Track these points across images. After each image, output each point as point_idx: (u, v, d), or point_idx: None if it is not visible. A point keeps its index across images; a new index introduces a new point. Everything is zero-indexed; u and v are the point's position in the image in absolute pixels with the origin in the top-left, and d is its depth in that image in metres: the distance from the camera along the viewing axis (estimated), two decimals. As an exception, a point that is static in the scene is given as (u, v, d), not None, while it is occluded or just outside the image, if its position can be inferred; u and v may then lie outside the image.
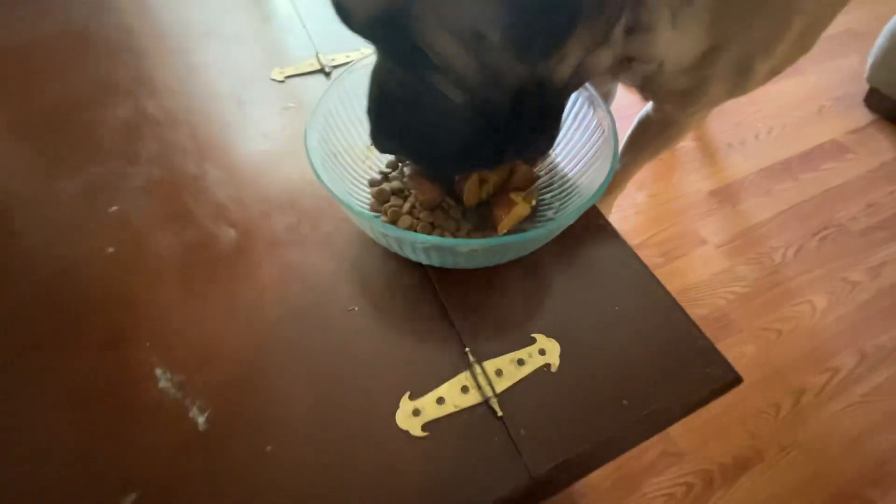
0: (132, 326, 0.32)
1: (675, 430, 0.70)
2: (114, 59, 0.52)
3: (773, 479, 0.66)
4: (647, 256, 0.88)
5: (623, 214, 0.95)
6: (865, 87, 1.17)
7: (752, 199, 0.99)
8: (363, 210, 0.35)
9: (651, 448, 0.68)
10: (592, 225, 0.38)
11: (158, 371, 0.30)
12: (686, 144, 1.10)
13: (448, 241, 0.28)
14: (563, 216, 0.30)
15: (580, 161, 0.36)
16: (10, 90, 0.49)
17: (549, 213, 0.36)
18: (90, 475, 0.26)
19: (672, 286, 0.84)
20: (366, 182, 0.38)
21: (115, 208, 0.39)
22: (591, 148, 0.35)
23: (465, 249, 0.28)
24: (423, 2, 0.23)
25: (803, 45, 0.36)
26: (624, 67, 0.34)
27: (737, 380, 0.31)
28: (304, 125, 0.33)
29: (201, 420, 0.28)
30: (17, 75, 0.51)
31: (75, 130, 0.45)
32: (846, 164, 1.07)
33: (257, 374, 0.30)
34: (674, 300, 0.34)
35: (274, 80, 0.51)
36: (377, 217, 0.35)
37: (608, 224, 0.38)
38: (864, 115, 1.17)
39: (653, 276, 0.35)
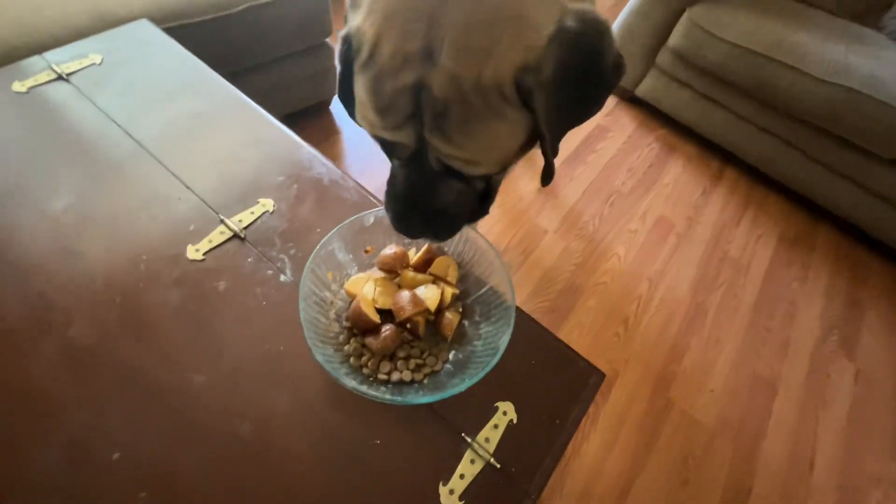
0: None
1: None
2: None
3: (626, 383, 1.01)
4: (513, 258, 1.15)
5: (486, 229, 1.19)
6: (606, 78, 1.63)
7: (565, 186, 1.34)
8: (384, 394, 0.43)
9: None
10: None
11: (258, 565, 0.38)
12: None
13: (430, 397, 0.42)
14: (498, 353, 0.46)
15: (480, 271, 0.54)
16: None
17: (476, 316, 0.53)
18: None
19: (535, 275, 1.13)
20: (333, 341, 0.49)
21: (117, 455, 0.41)
22: (482, 260, 0.53)
23: (442, 398, 0.43)
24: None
25: None
26: None
27: (602, 377, 0.54)
28: (307, 342, 0.42)
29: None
30: None
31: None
32: (609, 141, 1.50)
33: (334, 524, 0.41)
34: (566, 345, 0.54)
35: (194, 260, 0.54)
36: (371, 385, 0.46)
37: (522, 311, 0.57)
38: (610, 100, 1.63)
39: (550, 333, 0.55)
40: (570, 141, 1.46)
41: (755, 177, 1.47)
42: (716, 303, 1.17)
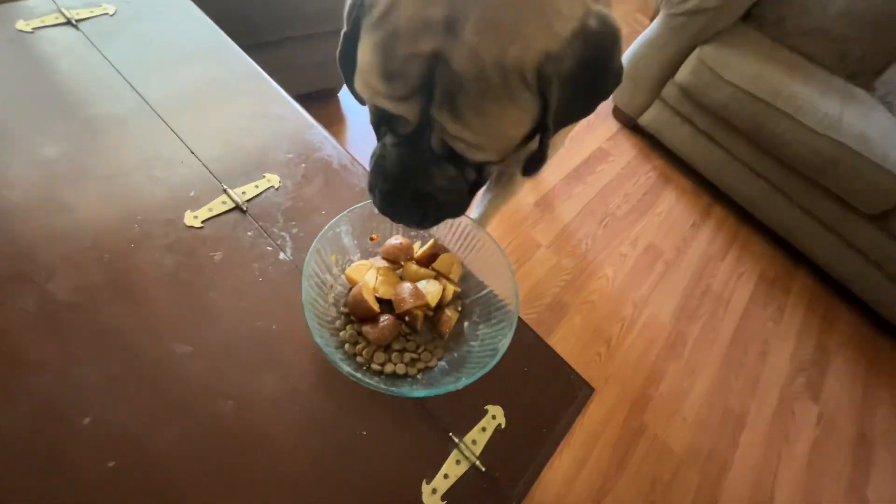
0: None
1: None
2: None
3: (604, 402, 1.02)
4: (506, 266, 1.15)
5: (482, 234, 1.19)
6: (612, 104, 1.67)
7: (562, 203, 1.36)
8: (378, 383, 0.42)
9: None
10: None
11: (228, 550, 0.37)
12: (512, 163, 1.40)
13: (426, 391, 0.42)
14: (497, 355, 0.45)
15: (484, 273, 0.53)
16: None
17: (475, 317, 0.52)
18: None
19: (526, 286, 1.13)
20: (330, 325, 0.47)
21: (87, 420, 0.39)
22: (488, 262, 0.53)
23: (438, 394, 0.43)
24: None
25: None
26: None
27: (591, 391, 0.54)
28: (305, 318, 0.41)
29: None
30: None
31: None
32: (609, 165, 1.53)
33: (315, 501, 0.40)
34: (559, 356, 0.55)
35: (191, 227, 0.52)
36: (365, 374, 0.45)
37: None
38: (613, 125, 1.67)
39: (544, 343, 0.55)
40: (572, 159, 1.49)
41: (742, 216, 1.52)
42: (695, 333, 1.20)
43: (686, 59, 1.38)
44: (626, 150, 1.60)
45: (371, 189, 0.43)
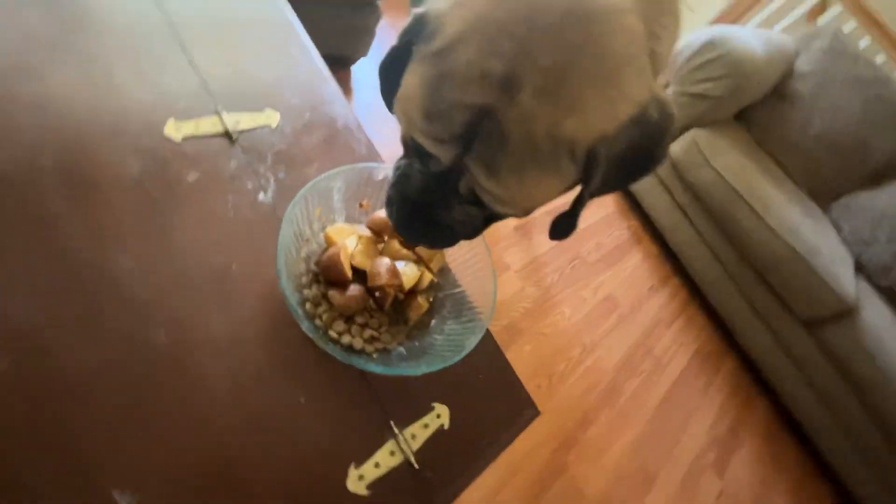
0: (83, 458, 0.32)
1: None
2: None
3: (534, 434, 1.02)
4: (473, 279, 1.14)
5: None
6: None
7: (540, 233, 1.38)
8: (334, 349, 0.40)
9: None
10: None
11: (116, 493, 0.32)
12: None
13: (384, 369, 0.40)
14: (463, 352, 0.44)
15: (464, 269, 0.52)
16: None
17: (444, 311, 0.51)
18: None
19: (487, 304, 1.11)
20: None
21: (-12, 309, 0.33)
22: (472, 259, 0.52)
23: (395, 374, 0.41)
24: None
25: None
26: None
27: (536, 414, 0.54)
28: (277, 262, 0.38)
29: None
30: None
31: None
32: (589, 213, 1.58)
33: (226, 474, 0.36)
34: (514, 373, 0.54)
35: (169, 138, 0.47)
36: (327, 338, 0.42)
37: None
38: (602, 177, 1.74)
39: (503, 356, 0.54)
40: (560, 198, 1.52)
41: (694, 292, 1.62)
42: (632, 387, 1.24)
43: (681, 137, 1.47)
44: (608, 204, 1.67)
45: (389, 203, 0.42)
